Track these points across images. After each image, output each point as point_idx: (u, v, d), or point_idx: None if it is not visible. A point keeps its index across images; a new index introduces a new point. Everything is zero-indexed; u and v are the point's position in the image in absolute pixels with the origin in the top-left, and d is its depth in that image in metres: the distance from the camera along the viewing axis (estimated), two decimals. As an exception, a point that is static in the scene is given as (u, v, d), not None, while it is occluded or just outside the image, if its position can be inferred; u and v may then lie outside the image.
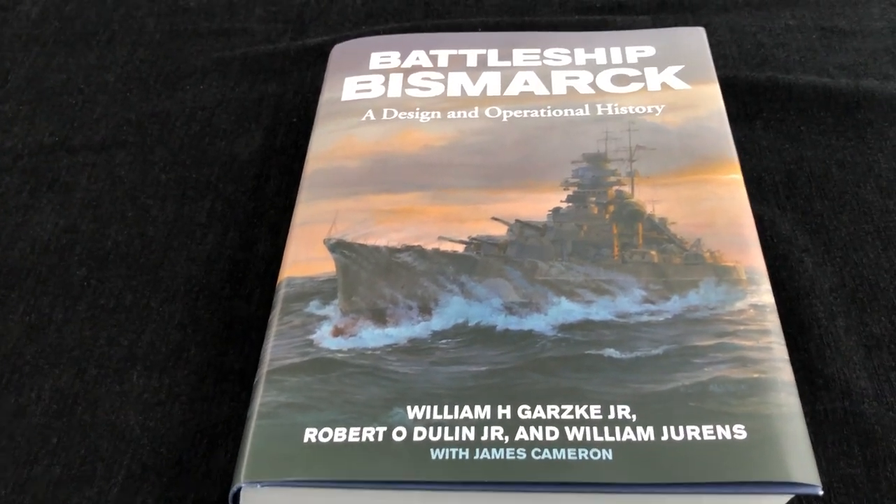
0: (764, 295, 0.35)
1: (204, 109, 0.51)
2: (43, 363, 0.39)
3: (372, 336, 0.34)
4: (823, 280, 0.40)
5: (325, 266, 0.37)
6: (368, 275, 0.36)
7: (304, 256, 0.37)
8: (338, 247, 0.37)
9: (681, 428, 0.30)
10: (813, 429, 0.34)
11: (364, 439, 0.30)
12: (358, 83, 0.45)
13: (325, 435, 0.31)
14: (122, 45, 0.56)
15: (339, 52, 0.48)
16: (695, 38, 0.47)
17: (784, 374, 0.32)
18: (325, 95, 0.45)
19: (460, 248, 0.37)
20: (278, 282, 0.37)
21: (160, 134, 0.49)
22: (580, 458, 0.30)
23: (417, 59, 0.46)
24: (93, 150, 0.49)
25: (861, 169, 0.45)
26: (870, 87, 0.49)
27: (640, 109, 0.43)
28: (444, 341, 0.33)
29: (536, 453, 0.30)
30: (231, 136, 0.49)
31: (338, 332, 0.34)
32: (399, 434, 0.30)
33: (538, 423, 0.30)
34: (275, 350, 0.34)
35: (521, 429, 0.30)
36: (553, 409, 0.31)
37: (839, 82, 0.49)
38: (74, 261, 0.43)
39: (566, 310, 0.34)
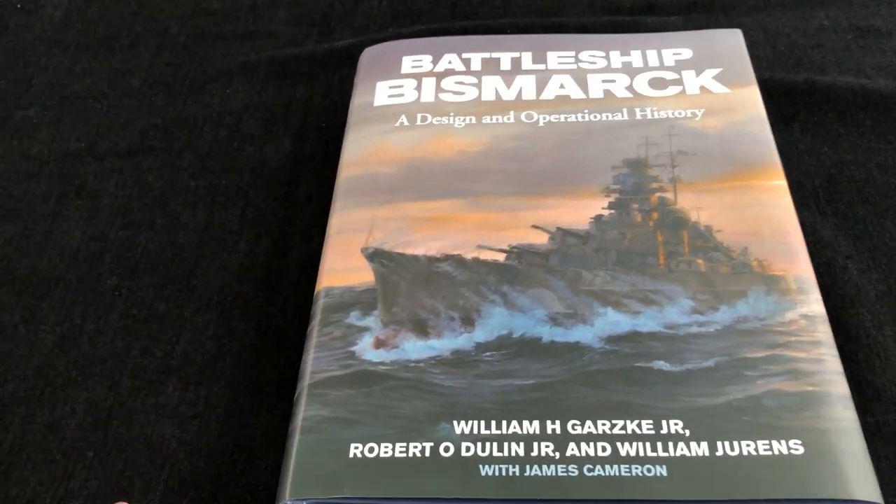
0: (814, 304, 0.34)
1: (231, 114, 0.50)
2: (76, 375, 0.38)
3: (414, 348, 0.33)
4: (869, 287, 0.39)
5: (363, 276, 0.36)
6: (408, 285, 0.35)
7: (342, 266, 0.37)
8: (376, 256, 0.36)
9: (735, 443, 0.30)
10: (866, 442, 0.33)
11: (411, 455, 0.30)
12: (390, 87, 0.45)
13: (371, 450, 0.30)
14: (146, 48, 0.55)
15: (369, 55, 0.47)
16: (732, 40, 0.46)
17: (839, 386, 0.31)
18: (357, 100, 0.45)
19: (501, 257, 0.36)
20: (316, 291, 0.36)
21: (188, 139, 0.49)
22: (634, 474, 0.29)
23: (450, 62, 0.46)
24: (120, 156, 0.48)
25: (903, 172, 0.44)
26: (909, 89, 0.48)
27: (680, 114, 0.42)
28: (488, 354, 0.33)
29: (588, 469, 0.29)
30: (260, 141, 0.48)
31: (379, 344, 0.33)
32: (447, 450, 0.30)
33: (589, 438, 0.30)
34: (316, 362, 0.33)
35: (572, 444, 0.30)
36: (604, 424, 0.30)
37: (877, 83, 0.48)
38: (105, 269, 0.42)
39: (613, 321, 0.33)
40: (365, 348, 0.33)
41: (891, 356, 0.36)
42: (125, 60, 0.54)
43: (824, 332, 0.33)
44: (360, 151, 0.42)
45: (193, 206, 0.45)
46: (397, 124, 0.43)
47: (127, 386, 0.38)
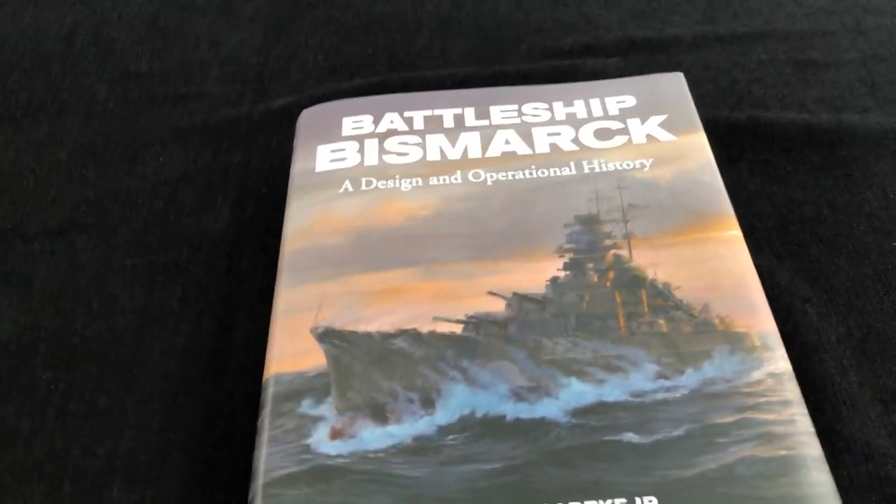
0: (780, 361, 0.33)
1: (166, 184, 0.48)
2: (11, 482, 0.35)
3: (373, 436, 0.31)
4: (830, 332, 0.39)
5: (314, 358, 0.34)
6: (362, 366, 0.34)
7: (291, 349, 0.35)
8: (326, 336, 0.35)
9: (712, 517, 0.28)
10: (839, 495, 0.33)
11: (376, 557, 0.28)
12: (331, 151, 0.43)
13: (334, 555, 0.28)
14: (74, 116, 0.53)
15: (307, 117, 0.46)
16: (675, 85, 0.46)
17: (812, 448, 0.30)
18: (298, 166, 0.43)
19: (458, 329, 0.35)
20: (265, 379, 0.34)
21: (122, 213, 0.47)
22: (611, 560, 0.28)
23: (392, 122, 0.44)
24: (50, 235, 0.46)
25: (852, 209, 0.44)
26: (851, 122, 0.48)
27: (628, 165, 0.41)
28: (451, 437, 0.31)
29: (564, 559, 0.28)
30: (197, 211, 0.46)
31: (336, 434, 0.32)
32: (414, 549, 0.28)
33: (562, 524, 0.28)
34: (269, 459, 0.31)
35: (545, 532, 0.28)
36: (576, 508, 0.29)
37: (820, 118, 0.48)
38: (39, 362, 0.40)
39: (578, 392, 0.32)
40: (321, 440, 0.31)
41: (857, 403, 0.36)
42: (52, 131, 0.52)
43: (792, 390, 0.32)
44: (303, 222, 0.40)
45: (131, 286, 0.43)
46: (341, 190, 0.41)
47: (68, 491, 0.35)
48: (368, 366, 0.34)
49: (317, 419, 0.32)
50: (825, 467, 0.30)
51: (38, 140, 0.51)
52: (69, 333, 0.41)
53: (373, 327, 0.35)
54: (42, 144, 0.51)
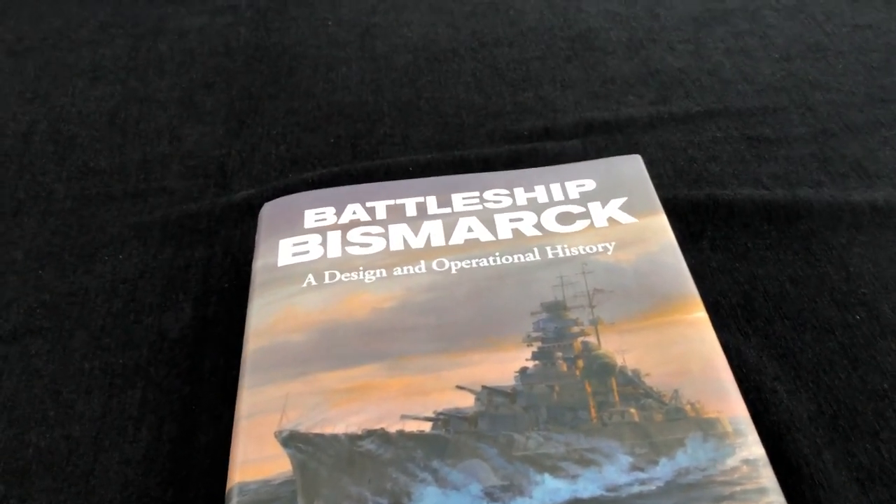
0: (753, 447, 0.33)
1: (125, 282, 0.47)
2: None
3: (343, 547, 0.30)
4: (801, 409, 0.38)
5: (279, 464, 0.33)
6: (330, 470, 0.33)
7: (255, 455, 0.34)
8: (291, 440, 0.34)
9: None
10: (822, 582, 0.32)
11: None
12: (293, 245, 0.43)
13: None
14: (30, 215, 0.52)
15: (269, 210, 0.46)
16: (633, 167, 0.46)
17: (792, 537, 0.30)
18: (259, 261, 0.43)
19: (427, 427, 0.34)
20: (228, 489, 0.33)
21: (79, 315, 0.45)
22: None
23: (354, 213, 0.44)
24: (4, 340, 0.44)
25: (814, 283, 0.44)
26: (806, 197, 0.49)
27: (591, 248, 0.41)
28: (424, 544, 0.30)
29: None
30: (158, 310, 0.45)
31: (304, 547, 0.30)
32: None
33: None
34: (234, 578, 0.30)
35: None
36: None
37: (776, 194, 0.49)
38: (-10, 476, 0.38)
39: (552, 489, 0.31)
40: (288, 554, 0.30)
41: (833, 483, 0.36)
42: (7, 231, 0.51)
43: (767, 476, 0.32)
44: (266, 319, 0.39)
45: (88, 392, 0.41)
46: (304, 285, 0.41)
47: None
48: (336, 471, 0.33)
49: (283, 531, 0.31)
50: (807, 558, 0.29)
51: (-7, 241, 0.50)
52: (23, 445, 0.39)
53: (339, 429, 0.34)
54: (-3, 246, 0.50)
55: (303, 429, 0.34)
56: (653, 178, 0.47)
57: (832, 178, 0.50)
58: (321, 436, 0.34)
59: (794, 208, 0.48)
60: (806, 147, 0.53)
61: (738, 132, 0.55)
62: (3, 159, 0.57)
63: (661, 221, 0.43)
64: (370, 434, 0.34)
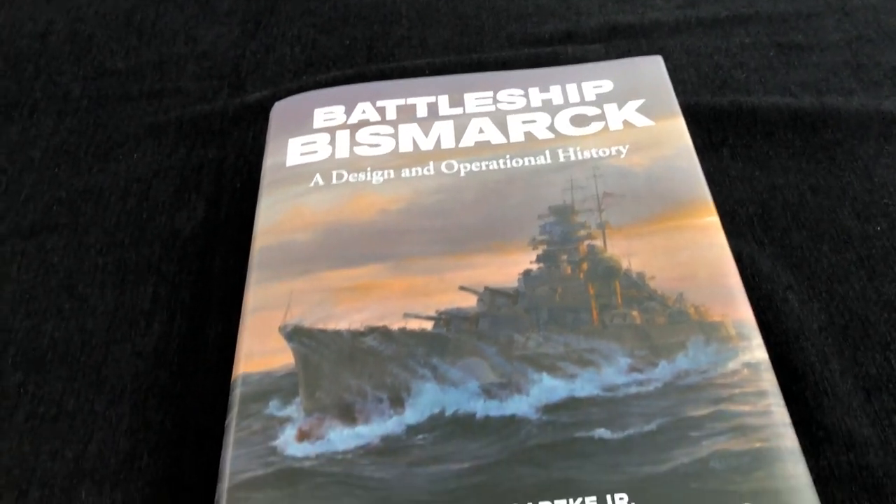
0: (756, 351, 0.32)
1: (140, 181, 0.47)
2: (-21, 488, 0.35)
3: (341, 437, 0.31)
4: (811, 319, 0.38)
5: (283, 358, 0.34)
6: (331, 365, 0.33)
7: (260, 348, 0.34)
8: (295, 335, 0.34)
9: (685, 513, 0.28)
10: (819, 486, 0.32)
11: (343, 561, 0.27)
12: (302, 145, 0.42)
13: (299, 560, 0.28)
14: (47, 115, 0.52)
15: (279, 110, 0.45)
16: (653, 68, 0.45)
17: (788, 440, 0.30)
18: (269, 161, 0.42)
19: (429, 326, 0.34)
20: (233, 379, 0.34)
21: (94, 212, 0.46)
22: (580, 559, 0.27)
23: (364, 112, 0.44)
24: (22, 235, 0.45)
25: (836, 193, 0.43)
26: (834, 105, 0.47)
27: (604, 152, 0.40)
28: (420, 437, 0.31)
29: (532, 559, 0.27)
30: (171, 209, 0.46)
31: (303, 436, 0.31)
32: (381, 552, 0.28)
33: (531, 524, 0.28)
34: (235, 462, 0.31)
35: (514, 533, 0.28)
36: (546, 507, 0.28)
37: (803, 101, 0.47)
38: (8, 364, 0.39)
39: (549, 387, 0.32)
40: (287, 442, 0.31)
41: (838, 392, 0.35)
42: (24, 130, 0.51)
43: (769, 380, 0.31)
44: (274, 218, 0.39)
45: (102, 286, 0.42)
46: (312, 185, 0.40)
47: (36, 496, 0.35)
48: (337, 365, 0.33)
49: (284, 420, 0.32)
50: (801, 459, 0.29)
51: (11, 140, 0.51)
52: (40, 335, 0.40)
53: (342, 325, 0.34)
54: (14, 144, 0.50)
55: (306, 324, 0.34)
56: (676, 84, 0.45)
57: (864, 87, 0.48)
58: (324, 331, 0.34)
59: (820, 116, 0.46)
60: (839, 54, 0.51)
61: (767, 38, 0.52)
62: (20, 59, 0.57)
63: (679, 125, 0.41)
64: (372, 331, 0.34)
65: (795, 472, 0.29)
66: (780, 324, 0.38)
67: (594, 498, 0.28)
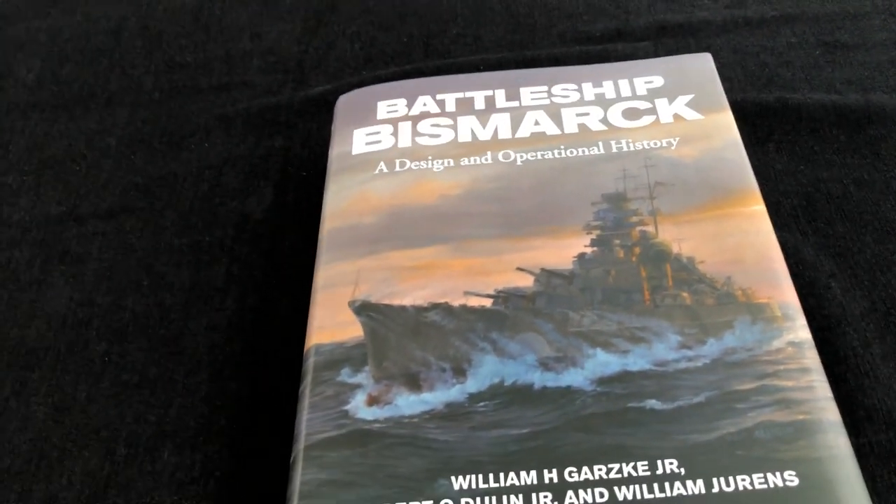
0: (800, 331, 0.34)
1: (211, 168, 0.50)
2: (71, 446, 0.38)
3: (407, 403, 0.33)
4: (854, 306, 0.39)
5: (352, 330, 0.36)
6: (397, 337, 0.36)
7: (330, 321, 0.37)
8: (363, 309, 0.37)
9: (731, 478, 0.30)
10: (860, 463, 0.34)
11: (411, 514, 0.30)
12: (367, 135, 0.45)
13: (371, 512, 0.30)
14: (122, 106, 0.55)
15: (344, 103, 0.48)
16: (702, 65, 0.46)
17: (830, 413, 0.31)
18: (335, 150, 0.45)
19: (488, 303, 0.36)
20: (306, 349, 0.36)
21: (169, 197, 0.49)
22: (632, 518, 0.29)
23: (425, 105, 0.46)
24: (101, 218, 0.48)
25: (879, 187, 0.44)
26: (879, 102, 0.48)
27: (655, 144, 0.42)
28: (481, 404, 0.33)
29: (588, 517, 0.29)
30: (241, 194, 0.48)
31: (372, 401, 0.33)
32: (446, 506, 0.30)
33: (586, 484, 0.30)
34: (310, 424, 0.33)
35: (570, 493, 0.30)
36: (600, 469, 0.30)
37: (848, 98, 0.49)
38: (93, 336, 0.42)
39: (603, 362, 0.34)
40: (358, 406, 0.33)
41: (879, 374, 0.37)
42: (101, 120, 0.54)
43: (812, 358, 0.33)
44: (341, 202, 0.42)
45: (178, 265, 0.45)
46: (376, 172, 0.43)
47: (122, 454, 0.37)
48: (403, 337, 0.35)
49: (355, 387, 0.34)
50: (843, 431, 0.31)
51: (89, 128, 0.54)
52: (121, 309, 0.43)
53: (407, 301, 0.37)
54: (93, 132, 0.54)
55: (374, 300, 0.37)
56: (723, 81, 0.47)
57: (909, 84, 0.50)
58: (390, 306, 0.36)
59: (865, 112, 0.48)
60: (884, 53, 0.52)
61: (814, 38, 0.54)
62: (95, 54, 0.60)
63: (727, 119, 0.43)
64: (435, 307, 0.36)
65: (837, 443, 0.30)
66: (822, 309, 0.39)
67: (645, 463, 0.30)
